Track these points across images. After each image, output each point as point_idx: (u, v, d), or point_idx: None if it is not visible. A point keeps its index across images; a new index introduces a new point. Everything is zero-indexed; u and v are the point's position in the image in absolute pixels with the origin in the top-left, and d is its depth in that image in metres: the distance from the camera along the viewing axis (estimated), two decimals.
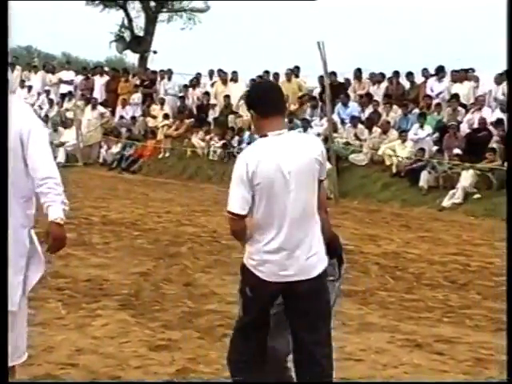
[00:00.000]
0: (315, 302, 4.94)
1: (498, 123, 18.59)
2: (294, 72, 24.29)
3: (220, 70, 25.79)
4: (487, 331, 7.62)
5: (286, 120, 22.49)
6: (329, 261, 5.03)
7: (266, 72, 24.88)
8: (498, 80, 20.47)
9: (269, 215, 4.82)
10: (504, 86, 20.07)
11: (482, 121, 18.97)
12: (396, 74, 22.58)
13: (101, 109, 26.59)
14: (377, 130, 20.69)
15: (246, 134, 23.04)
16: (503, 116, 18.88)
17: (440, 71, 21.71)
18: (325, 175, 4.99)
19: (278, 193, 4.77)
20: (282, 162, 4.76)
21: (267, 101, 4.91)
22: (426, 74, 22.14)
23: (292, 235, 4.82)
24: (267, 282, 4.87)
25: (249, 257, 5.00)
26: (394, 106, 21.42)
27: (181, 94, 26.69)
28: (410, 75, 22.36)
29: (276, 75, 24.54)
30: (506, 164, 17.35)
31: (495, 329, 7.66)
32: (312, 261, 4.88)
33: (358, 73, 23.36)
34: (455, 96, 20.47)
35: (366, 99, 22.04)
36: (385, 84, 22.80)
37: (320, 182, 4.94)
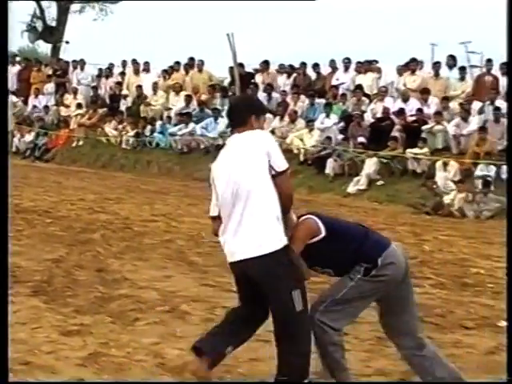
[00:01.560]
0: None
1: (399, 113, 18.89)
2: (203, 63, 24.22)
3: (133, 61, 25.55)
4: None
5: (198, 109, 22.62)
6: None
7: (177, 63, 24.73)
8: (400, 71, 20.80)
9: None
10: (406, 76, 20.41)
11: (385, 110, 19.25)
12: (303, 65, 22.69)
13: (13, 98, 26.09)
14: (285, 119, 20.79)
15: (158, 123, 22.99)
16: (404, 106, 19.20)
17: (346, 63, 21.93)
18: (278, 169, 5.12)
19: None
20: (229, 160, 5.21)
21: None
22: (332, 65, 22.32)
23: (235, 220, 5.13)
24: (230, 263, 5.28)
25: None
26: (302, 96, 21.53)
27: (93, 84, 26.37)
28: (316, 66, 22.50)
29: (187, 66, 24.41)
30: (407, 151, 17.65)
31: None
32: (251, 241, 5.07)
33: (265, 64, 23.40)
34: (359, 86, 20.71)
35: (271, 89, 22.13)
36: (293, 75, 22.92)
37: (275, 175, 5.13)
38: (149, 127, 23.02)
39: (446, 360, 5.38)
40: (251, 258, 5.10)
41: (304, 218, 5.25)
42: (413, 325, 5.33)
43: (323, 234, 5.15)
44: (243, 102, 5.78)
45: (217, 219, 5.34)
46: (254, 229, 5.09)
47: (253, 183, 5.10)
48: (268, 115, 20.95)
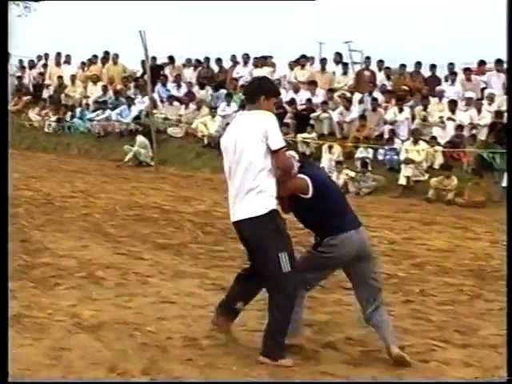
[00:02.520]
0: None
1: (291, 102, 19.01)
2: (118, 57, 23.92)
3: (57, 53, 24.95)
4: None
5: (113, 98, 22.34)
6: None
7: (95, 56, 24.35)
8: (291, 66, 20.92)
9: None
10: (296, 70, 20.53)
11: (279, 100, 19.33)
12: (207, 59, 22.61)
13: None
14: (191, 107, 20.69)
15: (78, 110, 22.73)
16: (295, 96, 19.34)
17: (245, 58, 21.94)
18: (273, 147, 5.19)
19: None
20: (235, 135, 5.31)
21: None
22: (233, 59, 22.30)
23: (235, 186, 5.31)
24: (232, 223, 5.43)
25: None
26: (207, 87, 21.47)
27: (18, 74, 25.73)
28: (219, 61, 22.48)
29: (104, 59, 24.07)
30: (297, 136, 17.78)
31: None
32: (244, 206, 5.23)
33: (171, 59, 23.21)
34: None
35: (179, 80, 22.04)
36: (199, 68, 22.81)
37: (272, 152, 5.21)
38: (69, 113, 22.68)
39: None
40: (243, 219, 5.23)
41: (301, 176, 5.37)
42: (369, 296, 5.45)
43: (309, 195, 5.32)
44: (257, 82, 5.70)
45: None
46: (248, 195, 5.21)
47: (252, 156, 5.18)
48: (176, 103, 20.92)
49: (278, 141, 5.21)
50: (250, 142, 5.22)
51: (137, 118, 20.75)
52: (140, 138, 19.30)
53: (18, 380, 4.56)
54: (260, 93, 5.38)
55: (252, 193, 5.22)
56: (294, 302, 5.27)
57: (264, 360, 5.21)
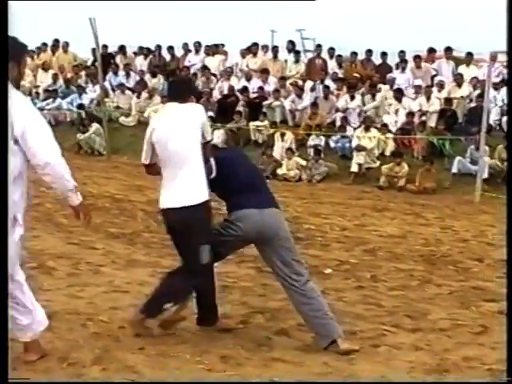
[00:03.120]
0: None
1: (243, 90, 19.00)
2: (68, 45, 23.65)
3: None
4: (232, 263, 7.77)
5: (64, 86, 22.07)
6: None
7: (44, 44, 24.04)
8: (243, 54, 20.90)
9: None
10: (248, 58, 20.51)
11: (231, 88, 19.32)
12: (159, 47, 22.49)
13: None
14: (143, 96, 20.56)
15: (28, 98, 22.37)
16: (247, 84, 19.33)
17: (197, 46, 21.86)
18: (208, 137, 5.45)
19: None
20: (169, 127, 5.37)
21: None
22: (185, 48, 22.21)
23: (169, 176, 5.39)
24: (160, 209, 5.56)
25: None
26: (159, 75, 21.34)
27: None
28: (170, 49, 22.35)
29: (53, 47, 23.78)
30: (250, 124, 17.78)
31: (239, 261, 7.86)
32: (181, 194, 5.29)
33: (121, 49, 23.04)
34: (206, 67, 20.71)
35: (129, 68, 21.90)
36: (150, 56, 22.65)
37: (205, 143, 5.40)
38: None
39: None
40: (174, 207, 5.30)
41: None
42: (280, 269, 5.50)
43: (213, 175, 5.47)
44: (185, 83, 6.25)
45: (148, 166, 5.57)
46: (180, 185, 5.28)
47: (188, 147, 5.29)
48: (128, 92, 20.78)
49: (209, 132, 5.50)
50: (187, 133, 5.33)
51: (88, 107, 20.55)
52: (95, 125, 19.11)
53: (18, 380, 4.52)
54: (190, 93, 5.65)
55: (184, 183, 5.30)
56: (197, 286, 5.50)
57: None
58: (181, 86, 5.86)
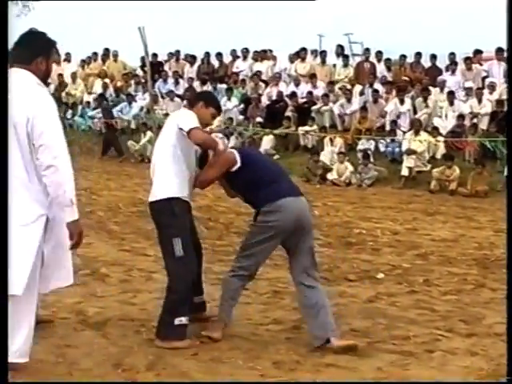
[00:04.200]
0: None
1: (292, 96, 19.01)
2: (118, 54, 23.94)
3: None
4: (284, 268, 7.76)
5: (114, 95, 22.32)
6: None
7: (95, 53, 24.38)
8: (291, 59, 20.90)
9: None
10: (297, 63, 20.51)
11: (279, 94, 19.34)
12: (207, 54, 22.62)
13: None
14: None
15: (79, 107, 22.76)
16: (296, 89, 19.33)
17: (245, 52, 21.94)
18: (184, 128, 5.32)
19: None
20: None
21: None
22: (233, 54, 22.30)
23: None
24: None
25: None
26: (208, 82, 21.45)
27: None
28: (219, 56, 22.46)
29: (104, 56, 24.10)
30: (299, 129, 17.76)
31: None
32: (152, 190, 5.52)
33: (173, 54, 23.24)
34: (256, 73, 20.76)
35: (178, 76, 22.08)
36: (198, 63, 22.80)
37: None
38: (70, 111, 22.69)
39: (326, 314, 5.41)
40: (149, 201, 5.52)
41: (228, 151, 5.51)
42: (301, 270, 5.44)
43: (237, 166, 5.39)
44: (200, 92, 6.17)
45: None
46: (155, 182, 5.49)
47: (162, 145, 5.49)
48: (177, 99, 20.92)
49: (187, 123, 5.33)
50: (163, 134, 5.52)
51: (137, 115, 20.76)
52: (149, 133, 19.28)
53: (18, 380, 4.56)
54: (199, 100, 5.68)
55: (156, 179, 5.49)
56: (187, 286, 5.39)
57: (159, 344, 5.32)
58: (195, 93, 5.97)
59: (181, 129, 5.32)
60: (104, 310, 6.13)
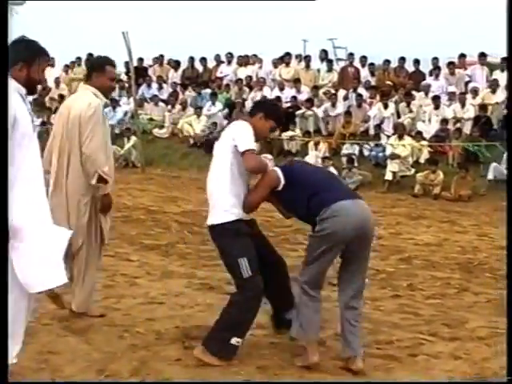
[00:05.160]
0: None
1: (276, 100, 18.99)
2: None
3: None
4: None
5: None
6: None
7: (78, 58, 24.32)
8: (275, 64, 20.95)
9: None
10: (281, 68, 20.53)
11: (264, 98, 19.35)
12: (191, 59, 22.61)
13: None
14: (177, 107, 20.71)
15: None
16: (280, 94, 19.35)
17: (229, 57, 21.97)
18: (240, 148, 5.14)
19: None
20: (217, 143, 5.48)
21: None
22: (217, 59, 22.32)
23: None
24: None
25: None
26: (192, 87, 21.48)
27: None
28: (203, 60, 22.47)
29: (87, 61, 24.01)
30: (283, 134, 17.75)
31: None
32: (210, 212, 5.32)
33: (161, 58, 23.23)
34: (240, 78, 20.79)
35: (162, 81, 22.07)
36: (182, 68, 22.80)
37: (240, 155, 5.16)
38: (53, 116, 22.59)
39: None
40: (209, 224, 5.33)
41: (270, 169, 5.28)
42: (349, 284, 5.24)
43: (282, 183, 5.19)
44: (263, 101, 5.78)
45: None
46: (213, 204, 5.28)
47: (218, 165, 5.29)
48: (161, 104, 20.91)
49: (243, 143, 5.14)
50: (220, 150, 5.32)
51: (122, 120, 20.72)
52: (134, 138, 19.25)
53: (17, 380, 4.55)
54: (259, 110, 5.42)
55: (213, 201, 5.31)
56: (255, 305, 5.20)
57: (199, 354, 5.15)
58: (257, 102, 5.80)
59: (236, 146, 5.16)
60: (87, 316, 6.10)
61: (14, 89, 4.33)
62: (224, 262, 5.33)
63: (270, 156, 5.51)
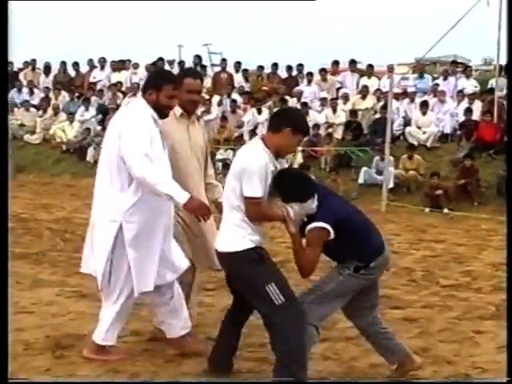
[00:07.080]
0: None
1: None
2: None
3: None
4: None
5: None
6: None
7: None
8: (148, 69, 20.84)
9: None
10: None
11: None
12: (63, 63, 22.20)
13: None
14: (48, 113, 20.30)
15: None
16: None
17: (102, 62, 21.71)
18: (244, 193, 4.68)
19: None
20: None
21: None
22: (90, 64, 21.99)
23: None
24: None
25: None
26: (63, 92, 21.09)
27: None
28: (75, 65, 22.12)
29: None
30: None
31: None
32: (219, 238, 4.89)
33: (33, 63, 22.66)
34: (114, 83, 20.61)
35: (33, 85, 21.62)
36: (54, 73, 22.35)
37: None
38: None
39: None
40: (220, 251, 4.86)
41: (316, 225, 4.71)
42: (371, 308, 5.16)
43: (332, 236, 4.72)
44: (288, 113, 5.13)
45: None
46: (224, 228, 4.83)
47: (229, 189, 4.76)
48: (32, 109, 20.43)
49: (249, 187, 4.65)
50: (232, 175, 4.78)
51: None
52: None
53: (17, 379, 4.38)
54: (287, 125, 4.77)
55: (228, 225, 4.83)
56: (301, 328, 4.74)
57: None
58: (278, 115, 5.10)
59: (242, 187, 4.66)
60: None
61: (149, 114, 5.10)
62: (249, 294, 4.83)
63: (289, 210, 4.77)
